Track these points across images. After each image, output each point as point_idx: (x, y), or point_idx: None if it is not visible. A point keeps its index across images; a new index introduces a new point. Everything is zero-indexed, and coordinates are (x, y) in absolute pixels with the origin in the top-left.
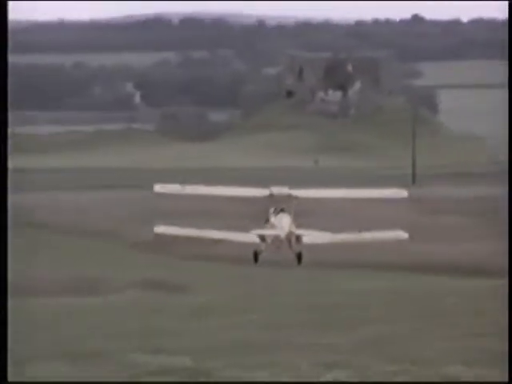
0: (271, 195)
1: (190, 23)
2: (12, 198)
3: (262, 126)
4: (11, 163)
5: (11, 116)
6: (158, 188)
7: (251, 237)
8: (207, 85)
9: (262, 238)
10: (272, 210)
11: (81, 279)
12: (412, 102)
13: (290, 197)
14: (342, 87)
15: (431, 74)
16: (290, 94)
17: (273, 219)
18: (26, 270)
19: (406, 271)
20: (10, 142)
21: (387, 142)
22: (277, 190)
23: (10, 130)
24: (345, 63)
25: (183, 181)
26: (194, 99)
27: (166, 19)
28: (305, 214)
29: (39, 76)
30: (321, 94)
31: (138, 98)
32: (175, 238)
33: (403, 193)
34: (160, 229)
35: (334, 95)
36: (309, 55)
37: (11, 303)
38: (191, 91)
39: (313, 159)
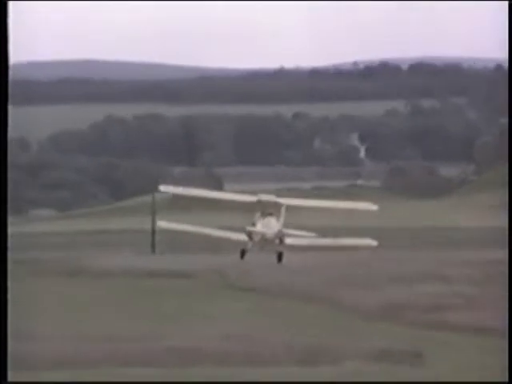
0: (259, 201)
1: (420, 69)
2: (219, 261)
3: (498, 184)
4: (218, 220)
5: (224, 172)
6: (163, 188)
7: (241, 236)
8: (438, 136)
9: (250, 237)
10: (258, 214)
11: (299, 347)
12: None
13: (276, 204)
14: None
15: None
16: None
17: (259, 222)
18: (250, 335)
19: None
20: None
21: None
22: (264, 196)
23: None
24: None
25: (400, 240)
26: (424, 152)
27: (394, 65)
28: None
29: (257, 127)
30: None
31: (362, 152)
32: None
33: (373, 206)
34: (162, 224)
35: None
36: None
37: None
38: (420, 143)
39: None
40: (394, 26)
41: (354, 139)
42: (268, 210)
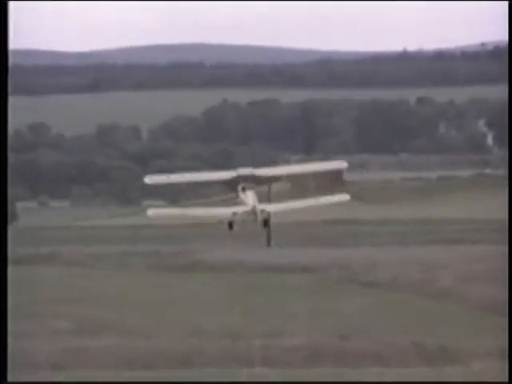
0: (239, 176)
1: None
2: (339, 254)
3: None
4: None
5: (344, 160)
6: (148, 180)
7: (227, 212)
8: None
9: (235, 212)
10: (240, 187)
11: (429, 347)
12: None
13: (253, 176)
14: None
15: None
16: None
17: (241, 195)
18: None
19: None
20: (339, 189)
21: None
22: (242, 171)
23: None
24: None
25: None
26: None
27: None
28: None
29: (379, 113)
30: None
31: (490, 138)
32: None
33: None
34: (151, 211)
35: None
36: None
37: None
38: None
39: None
40: None
41: (482, 125)
42: (248, 183)
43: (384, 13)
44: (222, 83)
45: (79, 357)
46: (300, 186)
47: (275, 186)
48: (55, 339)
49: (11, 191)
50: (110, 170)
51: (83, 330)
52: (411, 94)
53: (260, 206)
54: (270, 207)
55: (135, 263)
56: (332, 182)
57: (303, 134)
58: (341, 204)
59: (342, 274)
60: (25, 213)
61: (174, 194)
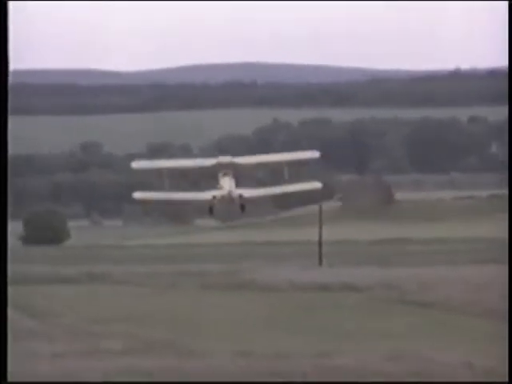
0: (218, 163)
1: None
2: (390, 274)
3: None
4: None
5: (395, 179)
6: (134, 164)
7: (207, 196)
8: None
9: (214, 196)
10: (221, 174)
11: (480, 367)
12: None
13: (232, 163)
14: None
15: None
16: None
17: (221, 181)
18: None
19: None
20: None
21: None
22: (222, 158)
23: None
24: None
25: None
26: None
27: None
28: None
29: (430, 132)
30: None
31: None
32: None
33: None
34: (137, 194)
35: None
36: None
37: None
38: None
39: None
40: None
41: None
42: (227, 170)
43: (436, 27)
44: (273, 102)
45: (131, 376)
46: (349, 204)
47: (326, 206)
48: (105, 358)
49: (65, 210)
50: (161, 188)
51: (133, 350)
52: (463, 113)
53: (237, 191)
54: (246, 192)
55: (187, 282)
56: (382, 200)
57: (354, 153)
58: (391, 223)
59: (392, 293)
60: (77, 231)
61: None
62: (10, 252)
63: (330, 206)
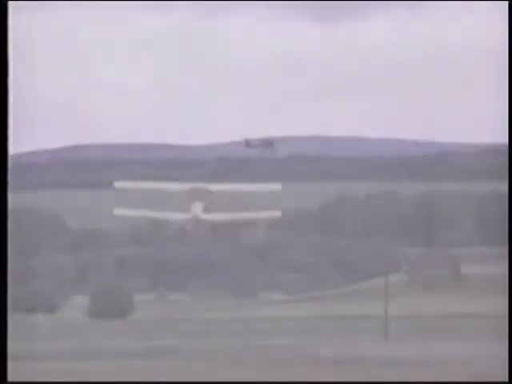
0: (193, 189)
1: None
2: (462, 349)
3: None
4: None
5: (463, 252)
6: (117, 184)
7: (177, 217)
8: None
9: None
10: (194, 198)
11: None
12: None
13: (205, 190)
14: None
15: None
16: None
17: (192, 206)
18: None
19: None
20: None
21: None
22: (198, 185)
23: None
24: None
25: None
26: None
27: None
28: None
29: (499, 204)
30: None
31: None
32: None
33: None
34: (118, 211)
35: None
36: None
37: None
38: None
39: None
40: None
41: None
42: (200, 195)
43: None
44: (339, 175)
45: None
46: (416, 277)
47: (393, 279)
48: None
49: (130, 285)
50: (227, 262)
51: None
52: None
53: (206, 216)
54: (214, 216)
55: (254, 357)
56: (450, 273)
57: (422, 226)
58: (460, 297)
59: (465, 370)
60: (142, 305)
61: (292, 288)
62: (76, 326)
63: (396, 279)
